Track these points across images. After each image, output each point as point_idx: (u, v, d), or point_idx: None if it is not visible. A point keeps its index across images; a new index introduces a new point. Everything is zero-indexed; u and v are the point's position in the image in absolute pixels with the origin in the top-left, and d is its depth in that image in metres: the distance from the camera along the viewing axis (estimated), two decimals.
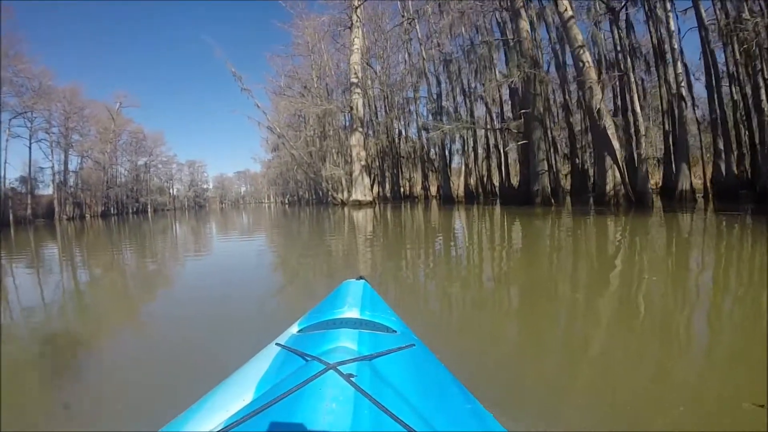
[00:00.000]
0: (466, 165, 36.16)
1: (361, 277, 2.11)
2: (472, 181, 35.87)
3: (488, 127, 31.73)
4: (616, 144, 18.50)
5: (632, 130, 22.52)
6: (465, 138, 33.98)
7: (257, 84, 53.58)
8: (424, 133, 40.24)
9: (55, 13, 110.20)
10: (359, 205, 31.61)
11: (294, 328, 1.67)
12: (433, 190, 42.10)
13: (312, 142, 47.05)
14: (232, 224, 27.34)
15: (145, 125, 78.54)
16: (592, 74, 19.09)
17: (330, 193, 40.09)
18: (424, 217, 20.06)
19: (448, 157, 36.93)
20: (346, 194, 36.63)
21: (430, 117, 36.54)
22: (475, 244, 10.15)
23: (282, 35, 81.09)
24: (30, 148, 50.34)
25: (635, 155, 20.60)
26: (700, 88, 24.92)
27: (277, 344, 1.47)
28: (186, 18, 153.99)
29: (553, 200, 20.92)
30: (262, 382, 1.22)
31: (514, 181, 31.75)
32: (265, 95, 55.47)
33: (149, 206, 79.00)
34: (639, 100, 20.29)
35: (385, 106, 45.55)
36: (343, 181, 38.60)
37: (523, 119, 22.88)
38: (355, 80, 33.17)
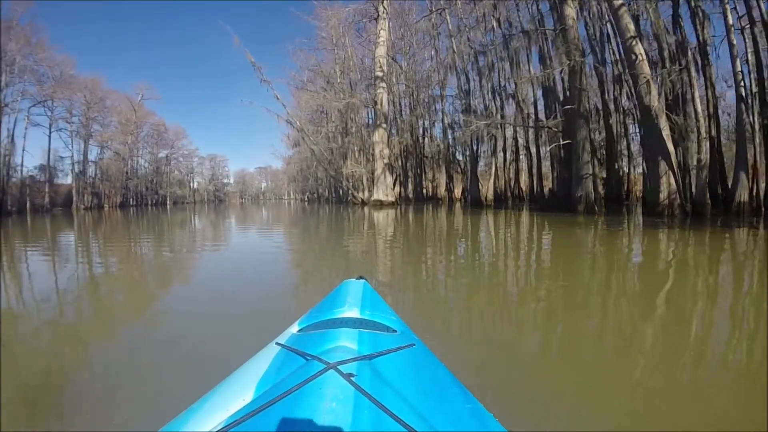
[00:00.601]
0: (496, 167, 33.60)
1: (361, 277, 2.04)
2: (500, 184, 33.41)
3: (525, 125, 28.99)
4: (671, 147, 16.41)
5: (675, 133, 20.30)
6: (496, 138, 31.45)
7: (278, 78, 52.08)
8: (450, 132, 38.19)
9: (78, 5, 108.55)
10: (380, 205, 29.73)
11: (294, 328, 1.63)
12: (458, 192, 40.11)
13: (333, 138, 45.06)
14: (250, 219, 26.58)
15: (168, 119, 78.55)
16: (646, 68, 17.03)
17: (350, 191, 37.98)
18: (449, 221, 18.20)
19: (476, 158, 34.11)
20: (366, 193, 34.73)
21: (458, 115, 34.48)
22: (524, 270, 8.07)
23: (305, 28, 79.50)
24: (50, 137, 49.63)
25: (689, 161, 18.23)
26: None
27: (277, 344, 1.43)
28: (209, 11, 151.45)
29: (596, 208, 18.71)
30: (262, 382, 1.20)
31: (546, 185, 29.62)
32: (287, 90, 53.95)
33: (168, 198, 78.48)
34: (697, 98, 17.84)
35: (410, 104, 43.40)
36: (365, 180, 36.58)
37: (564, 117, 20.67)
38: (380, 74, 31.21)
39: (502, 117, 30.09)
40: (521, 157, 33.98)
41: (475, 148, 32.68)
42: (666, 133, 16.51)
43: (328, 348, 1.28)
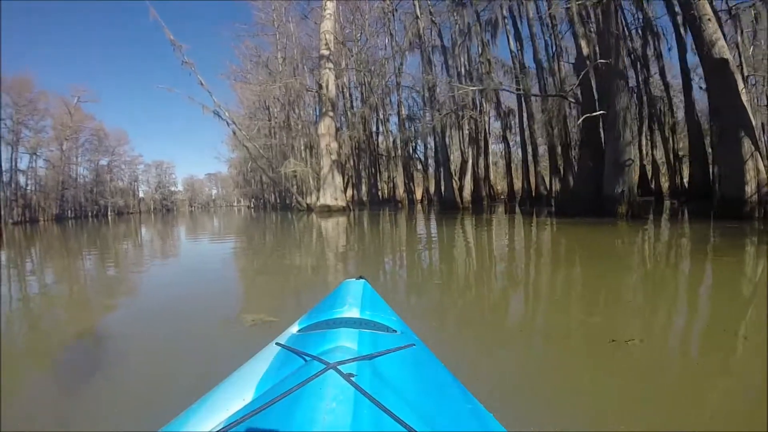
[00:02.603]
0: (473, 160, 26.05)
1: (361, 277, 1.88)
2: (473, 182, 26.26)
3: (530, 93, 20.02)
4: (753, 119, 10.54)
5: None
6: (476, 122, 24.73)
7: (219, 74, 45.13)
8: (408, 125, 31.91)
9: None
10: (329, 211, 23.00)
11: (294, 328, 1.53)
12: (419, 193, 33.97)
13: (275, 134, 38.02)
14: (193, 232, 20.04)
15: (108, 123, 70.12)
16: (708, 8, 11.06)
17: (294, 196, 31.07)
18: (425, 238, 11.75)
19: (447, 150, 25.73)
20: (314, 197, 27.84)
21: (416, 108, 28.09)
22: None
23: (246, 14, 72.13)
24: None
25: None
26: None
27: (277, 344, 1.37)
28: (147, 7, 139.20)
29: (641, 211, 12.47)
30: (262, 382, 1.15)
31: (531, 182, 23.48)
32: (228, 86, 47.35)
33: (110, 209, 69.83)
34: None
35: (361, 94, 36.37)
36: (311, 182, 29.80)
37: (580, 82, 14.32)
38: (326, 52, 24.35)
39: (473, 107, 23.47)
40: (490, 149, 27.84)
41: (448, 138, 25.67)
42: (746, 98, 10.59)
43: (328, 348, 1.20)
